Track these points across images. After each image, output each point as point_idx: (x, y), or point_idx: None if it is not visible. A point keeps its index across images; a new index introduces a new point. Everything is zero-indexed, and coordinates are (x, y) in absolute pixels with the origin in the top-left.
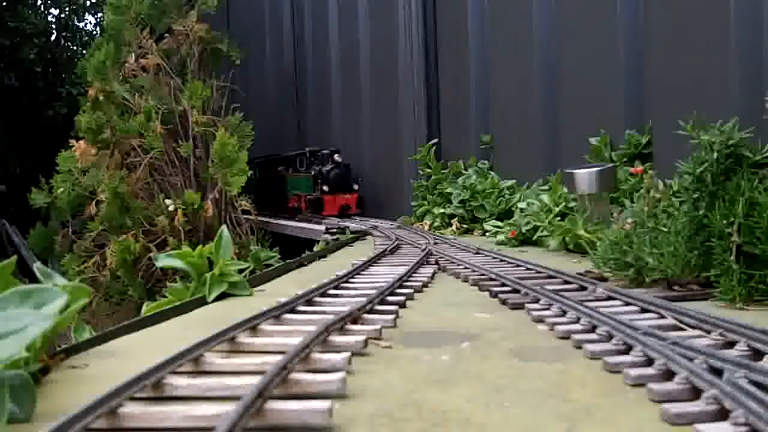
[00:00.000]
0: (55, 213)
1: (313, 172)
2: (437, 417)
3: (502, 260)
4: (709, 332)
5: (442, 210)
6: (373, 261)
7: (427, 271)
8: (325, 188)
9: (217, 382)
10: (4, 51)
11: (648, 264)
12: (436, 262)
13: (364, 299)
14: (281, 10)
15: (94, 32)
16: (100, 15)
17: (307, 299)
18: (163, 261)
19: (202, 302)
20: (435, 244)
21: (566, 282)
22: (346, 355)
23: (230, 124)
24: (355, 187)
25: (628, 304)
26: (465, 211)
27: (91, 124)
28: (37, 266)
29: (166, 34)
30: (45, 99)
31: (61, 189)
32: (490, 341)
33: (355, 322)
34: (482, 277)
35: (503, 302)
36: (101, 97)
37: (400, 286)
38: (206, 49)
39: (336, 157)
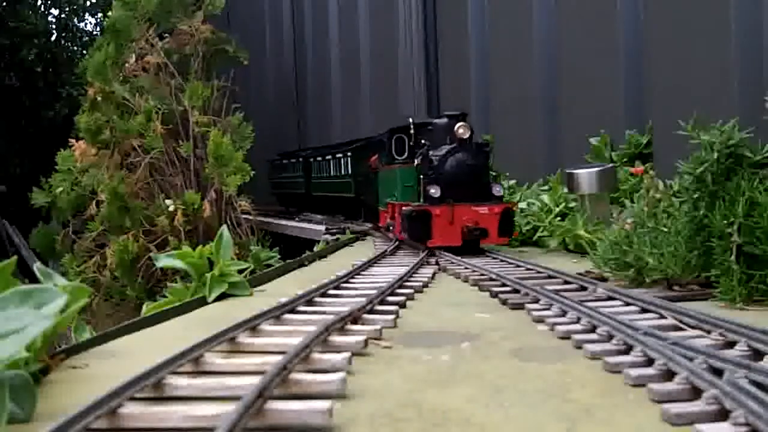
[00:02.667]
0: (56, 213)
1: (416, 162)
2: (437, 417)
3: (502, 260)
4: (709, 332)
5: None
6: (373, 261)
7: (427, 271)
8: (433, 191)
9: (217, 382)
10: (4, 51)
11: (648, 264)
12: (437, 263)
13: (364, 299)
14: (281, 10)
15: (94, 32)
16: (100, 15)
17: (308, 299)
18: (164, 261)
19: (202, 302)
20: None
21: (566, 282)
22: (346, 355)
23: (231, 125)
24: (497, 190)
25: (628, 304)
26: None
27: (90, 124)
28: (37, 266)
29: (166, 35)
30: (45, 99)
31: (61, 189)
32: (491, 341)
33: (355, 322)
34: (482, 277)
35: (503, 302)
36: (100, 98)
37: (401, 287)
38: (210, 49)
39: (460, 129)
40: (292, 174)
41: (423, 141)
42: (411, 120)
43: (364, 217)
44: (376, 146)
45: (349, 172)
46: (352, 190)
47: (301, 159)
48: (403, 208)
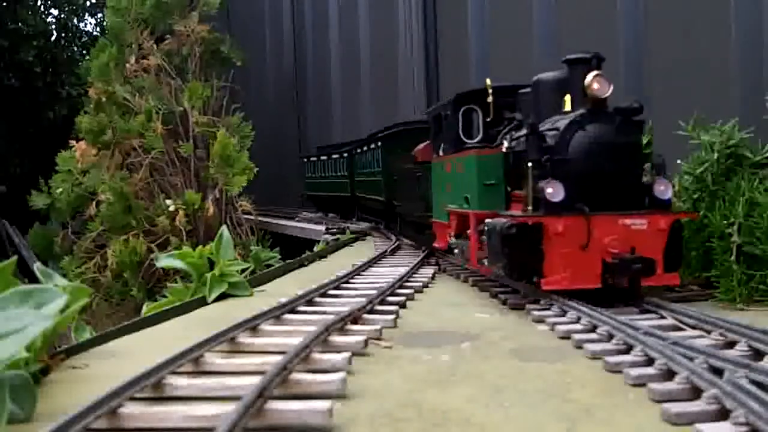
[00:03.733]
0: (55, 214)
1: (505, 144)
2: (437, 417)
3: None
4: (709, 332)
5: None
6: (373, 261)
7: (427, 271)
8: (551, 192)
9: (217, 382)
10: (4, 52)
11: None
12: (437, 263)
13: (364, 299)
14: (281, 10)
15: (94, 33)
16: (100, 15)
17: (308, 299)
18: (164, 261)
19: (202, 302)
20: None
21: None
22: (346, 355)
23: (230, 125)
24: (662, 190)
25: (628, 304)
26: None
27: (93, 125)
28: (37, 266)
29: (168, 36)
30: (45, 100)
31: (60, 189)
32: (491, 341)
33: (355, 322)
34: (482, 277)
35: (503, 302)
36: (104, 99)
37: (401, 287)
38: (207, 49)
39: (594, 83)
40: (333, 173)
41: (509, 115)
42: (488, 82)
43: (400, 229)
44: (424, 130)
45: (379, 168)
46: (382, 192)
47: (345, 154)
48: (489, 220)
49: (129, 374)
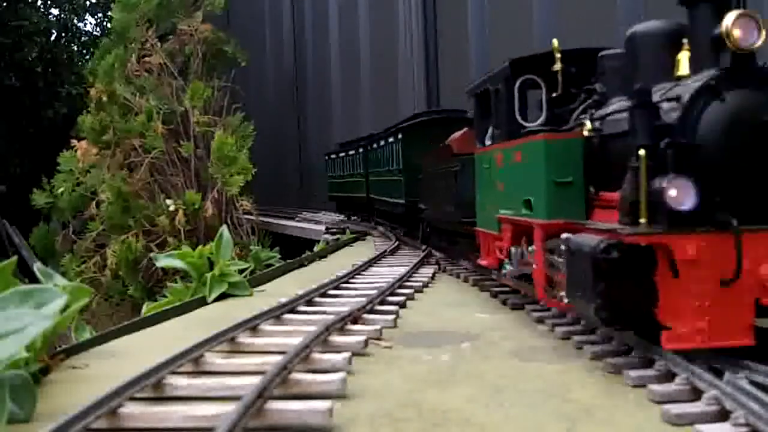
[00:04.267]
0: (57, 213)
1: (587, 125)
2: (437, 417)
3: None
4: None
5: None
6: (373, 261)
7: (427, 271)
8: (674, 195)
9: (217, 382)
10: (5, 51)
11: None
12: (437, 263)
13: (364, 299)
14: (281, 10)
15: (95, 32)
16: (100, 15)
17: (308, 299)
18: (164, 261)
19: (202, 302)
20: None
21: None
22: (346, 355)
23: (231, 124)
24: None
25: None
26: None
27: (95, 124)
28: (37, 266)
29: (170, 36)
30: (45, 99)
31: (62, 189)
32: (491, 341)
33: (355, 322)
34: (482, 277)
35: (503, 302)
36: (105, 98)
37: (401, 287)
38: (210, 49)
39: (735, 30)
40: (350, 171)
41: (579, 89)
42: (556, 44)
43: (425, 238)
44: (454, 120)
45: (399, 165)
46: (402, 193)
47: (361, 150)
48: (568, 236)
49: (129, 374)
